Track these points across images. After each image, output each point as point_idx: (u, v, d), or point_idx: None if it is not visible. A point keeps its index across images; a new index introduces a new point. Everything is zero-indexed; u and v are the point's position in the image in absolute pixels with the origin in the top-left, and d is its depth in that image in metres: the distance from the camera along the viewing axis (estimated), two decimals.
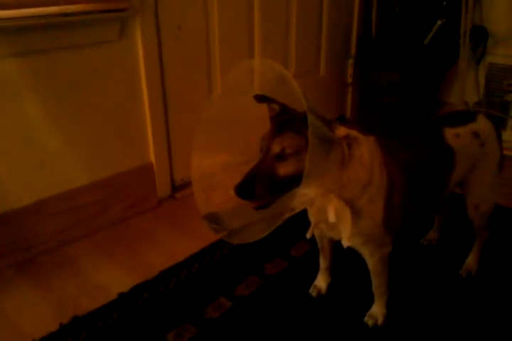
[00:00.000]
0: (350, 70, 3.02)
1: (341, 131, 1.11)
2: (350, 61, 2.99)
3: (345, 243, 1.19)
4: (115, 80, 1.86)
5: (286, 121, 1.05)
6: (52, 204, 1.77)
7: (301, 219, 1.26)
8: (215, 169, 1.21)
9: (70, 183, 1.82)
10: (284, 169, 1.01)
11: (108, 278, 1.65)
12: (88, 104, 1.81)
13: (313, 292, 1.55)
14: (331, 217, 1.15)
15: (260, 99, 1.10)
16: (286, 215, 0.96)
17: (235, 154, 1.26)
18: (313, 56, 2.80)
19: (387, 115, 2.83)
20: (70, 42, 1.69)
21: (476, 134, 1.39)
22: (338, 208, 1.13)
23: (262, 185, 0.99)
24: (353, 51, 2.98)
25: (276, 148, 1.01)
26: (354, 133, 1.14)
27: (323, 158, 1.03)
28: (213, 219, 1.15)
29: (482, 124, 1.43)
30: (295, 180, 1.01)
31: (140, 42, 1.88)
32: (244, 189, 0.99)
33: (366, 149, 1.14)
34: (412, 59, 2.63)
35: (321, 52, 2.82)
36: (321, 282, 1.56)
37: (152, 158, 2.08)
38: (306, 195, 1.10)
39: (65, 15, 1.58)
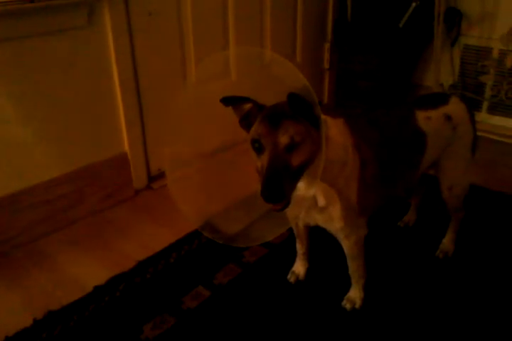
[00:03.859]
0: (326, 55, 3.01)
1: None
2: (327, 46, 2.97)
3: (338, 224, 1.20)
4: (85, 68, 1.81)
5: (275, 112, 1.03)
6: (23, 197, 1.73)
7: None
8: (185, 160, 1.19)
9: (42, 175, 1.78)
10: (297, 158, 0.99)
11: (84, 272, 1.62)
12: (58, 93, 1.76)
13: (291, 278, 1.55)
14: (321, 202, 1.15)
15: (227, 101, 1.07)
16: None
17: (206, 143, 1.25)
18: (289, 42, 2.76)
19: (365, 99, 2.82)
20: (36, 29, 1.63)
21: (448, 117, 1.39)
22: (326, 191, 1.12)
23: (287, 182, 0.96)
24: (329, 36, 2.95)
25: (284, 140, 0.98)
26: (322, 116, 1.13)
27: None
28: (211, 229, 1.13)
29: (455, 107, 1.43)
30: (303, 169, 1.01)
31: (109, 28, 1.83)
32: (274, 192, 0.94)
33: (337, 131, 1.14)
34: (387, 42, 2.62)
35: (297, 38, 2.79)
36: (299, 268, 1.56)
37: (126, 147, 2.04)
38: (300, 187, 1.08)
39: (30, 1, 1.53)
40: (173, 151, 1.17)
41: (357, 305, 1.42)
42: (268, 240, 0.98)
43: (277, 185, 0.94)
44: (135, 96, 2.01)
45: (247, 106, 1.08)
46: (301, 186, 1.08)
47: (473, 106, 2.68)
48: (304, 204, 1.17)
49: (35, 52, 1.66)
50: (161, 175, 2.19)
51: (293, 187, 1.00)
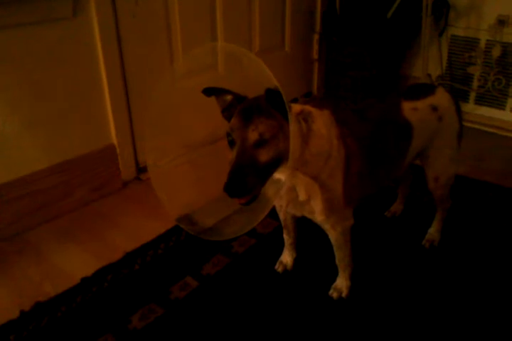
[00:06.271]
0: (316, 46, 2.99)
1: (295, 107, 1.11)
2: (316, 37, 2.96)
3: (319, 217, 1.20)
4: (71, 59, 1.79)
5: (250, 107, 1.03)
6: (11, 189, 1.72)
7: None
8: (169, 154, 1.19)
9: (29, 167, 1.77)
10: (265, 155, 0.99)
11: (73, 263, 1.62)
12: (44, 85, 1.74)
13: (279, 268, 1.56)
14: (302, 195, 1.15)
15: (209, 92, 1.08)
16: (272, 203, 0.95)
17: (193, 135, 1.24)
18: (278, 32, 2.75)
19: (354, 90, 2.83)
20: (21, 20, 1.61)
21: (434, 108, 1.40)
22: (307, 185, 1.13)
23: (251, 177, 0.96)
24: (318, 27, 2.94)
25: (253, 136, 0.99)
26: (308, 108, 1.14)
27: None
28: (187, 221, 1.13)
29: (440, 98, 1.44)
30: (273, 165, 1.01)
31: (95, 19, 1.81)
32: (236, 187, 0.95)
33: (322, 122, 1.14)
34: (375, 33, 2.62)
35: (286, 28, 2.77)
36: (287, 257, 1.57)
37: (114, 139, 2.03)
38: (279, 180, 1.08)
39: None
40: (155, 143, 1.17)
41: (343, 294, 1.44)
42: (238, 235, 0.98)
43: (240, 180, 0.95)
44: (122, 88, 1.99)
45: (229, 97, 1.08)
46: (283, 179, 1.09)
47: (460, 97, 2.69)
48: (289, 195, 1.18)
49: (20, 44, 1.64)
50: None
51: (261, 182, 1.00)
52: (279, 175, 1.08)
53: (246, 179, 0.95)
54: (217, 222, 1.11)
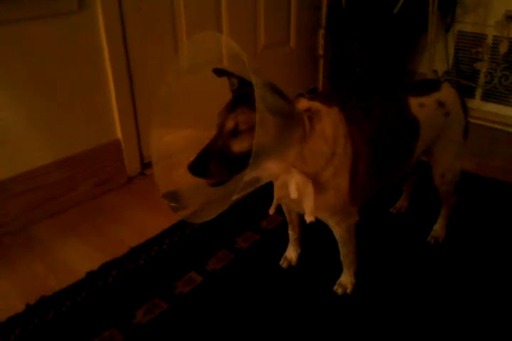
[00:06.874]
0: (321, 42, 2.98)
1: (303, 103, 1.09)
2: (321, 32, 2.94)
3: (308, 218, 1.17)
4: (76, 54, 1.79)
5: (241, 95, 1.03)
6: (13, 184, 1.72)
7: (272, 192, 1.25)
8: (176, 147, 1.18)
9: (33, 162, 1.77)
10: (238, 145, 0.99)
11: (77, 258, 1.63)
12: (49, 80, 1.74)
13: (283, 263, 1.56)
14: (293, 193, 1.13)
15: (219, 72, 1.08)
16: (235, 196, 0.92)
17: (198, 130, 1.23)
18: (283, 27, 2.73)
19: (359, 86, 2.82)
20: (25, 14, 1.60)
21: (440, 103, 1.39)
22: (300, 183, 1.11)
23: (216, 162, 0.98)
24: (323, 22, 2.93)
25: (230, 124, 0.99)
26: (316, 105, 1.12)
27: (279, 133, 0.99)
28: (172, 197, 1.13)
29: (447, 93, 1.43)
30: (248, 158, 0.99)
31: (100, 14, 1.81)
32: (198, 166, 0.98)
33: (328, 121, 1.12)
34: (381, 28, 2.60)
35: (291, 24, 2.76)
36: (291, 253, 1.57)
37: (119, 134, 2.03)
38: (268, 170, 1.07)
39: None
40: (159, 140, 1.16)
41: (348, 290, 1.44)
42: (205, 220, 0.98)
43: (202, 164, 0.98)
44: (127, 83, 1.99)
45: (234, 81, 1.08)
46: (282, 175, 1.08)
47: (467, 93, 2.68)
48: (282, 191, 1.17)
49: (25, 38, 1.63)
50: None
51: (228, 171, 1.00)
52: (273, 166, 1.06)
53: (209, 164, 0.97)
54: (200, 204, 1.11)
